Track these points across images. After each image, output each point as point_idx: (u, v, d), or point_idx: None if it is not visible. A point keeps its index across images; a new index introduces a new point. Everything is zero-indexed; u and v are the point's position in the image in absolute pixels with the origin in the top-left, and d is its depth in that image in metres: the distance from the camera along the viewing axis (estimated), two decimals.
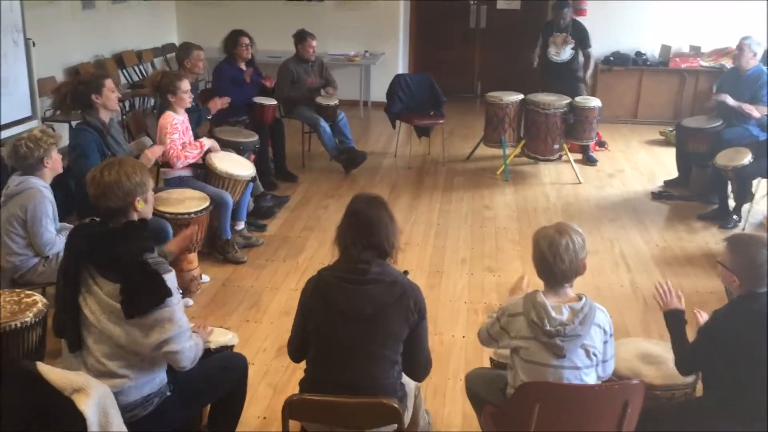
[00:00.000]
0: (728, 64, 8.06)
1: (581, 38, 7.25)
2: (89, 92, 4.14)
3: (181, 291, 4.31)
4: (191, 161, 4.78)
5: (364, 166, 7.00)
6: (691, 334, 2.85)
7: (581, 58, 7.33)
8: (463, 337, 4.14)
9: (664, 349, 3.07)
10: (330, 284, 2.55)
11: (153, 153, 4.49)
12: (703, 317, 2.99)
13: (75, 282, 2.50)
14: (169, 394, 2.61)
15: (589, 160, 7.48)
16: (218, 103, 5.79)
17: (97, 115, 4.18)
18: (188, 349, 2.51)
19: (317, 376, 2.61)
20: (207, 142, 4.91)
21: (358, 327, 2.50)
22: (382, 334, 2.51)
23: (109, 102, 4.22)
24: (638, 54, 9.12)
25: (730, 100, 6.01)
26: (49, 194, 3.66)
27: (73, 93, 4.15)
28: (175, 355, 2.48)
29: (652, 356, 3.05)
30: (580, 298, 2.60)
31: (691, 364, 2.81)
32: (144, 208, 2.66)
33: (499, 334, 2.70)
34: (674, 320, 2.88)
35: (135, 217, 2.63)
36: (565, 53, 7.21)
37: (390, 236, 2.60)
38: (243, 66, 6.30)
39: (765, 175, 5.56)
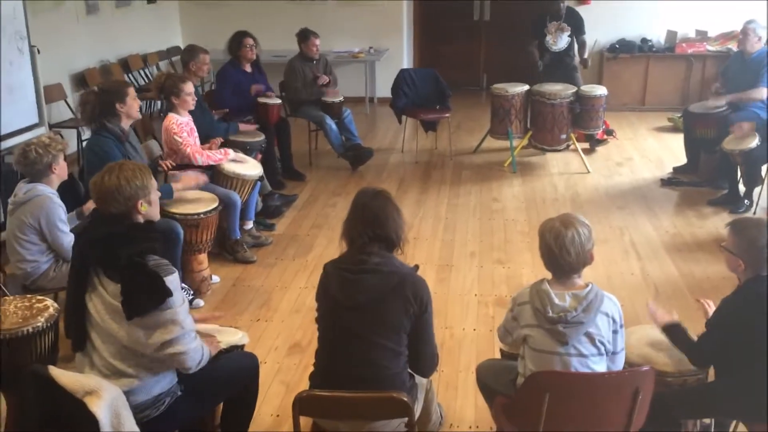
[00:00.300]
0: (735, 47, 8.00)
1: (577, 25, 7.21)
2: (114, 101, 4.18)
3: (192, 293, 4.40)
4: (212, 162, 4.84)
5: (371, 163, 7.01)
6: (695, 323, 2.83)
7: (576, 46, 7.30)
8: (474, 329, 4.13)
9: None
10: (330, 275, 2.59)
11: (185, 183, 4.52)
12: (711, 307, 2.97)
13: (82, 281, 2.53)
14: (180, 394, 2.63)
15: (596, 143, 7.48)
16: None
17: (119, 123, 4.22)
18: (193, 350, 2.52)
19: (323, 368, 2.64)
20: (232, 153, 4.97)
21: (354, 316, 2.53)
22: (379, 323, 2.53)
23: (132, 110, 4.28)
24: (644, 41, 9.07)
25: (721, 101, 6.04)
26: (57, 200, 3.70)
27: (100, 104, 4.19)
28: (180, 356, 2.49)
29: (663, 343, 3.03)
30: (586, 286, 2.59)
31: (706, 357, 2.79)
32: (148, 210, 2.67)
33: (511, 325, 2.71)
34: (674, 333, 2.87)
35: (140, 219, 2.65)
36: (561, 41, 7.18)
37: (397, 228, 2.63)
38: (248, 68, 6.32)
39: None
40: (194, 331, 2.55)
